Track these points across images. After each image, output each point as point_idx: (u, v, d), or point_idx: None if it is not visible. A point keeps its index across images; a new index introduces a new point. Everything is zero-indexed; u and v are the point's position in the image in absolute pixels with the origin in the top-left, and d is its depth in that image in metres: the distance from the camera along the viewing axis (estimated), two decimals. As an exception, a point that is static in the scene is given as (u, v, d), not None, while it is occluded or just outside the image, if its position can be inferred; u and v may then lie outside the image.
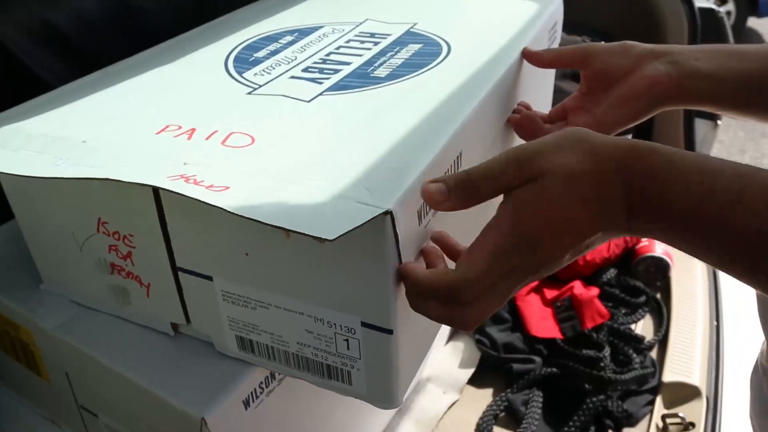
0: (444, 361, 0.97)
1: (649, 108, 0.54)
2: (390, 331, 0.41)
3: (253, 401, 0.50)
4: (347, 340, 0.43)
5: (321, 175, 0.40)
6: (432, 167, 0.42)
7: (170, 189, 0.38)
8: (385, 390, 0.45)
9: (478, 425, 0.88)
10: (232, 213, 0.36)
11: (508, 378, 0.93)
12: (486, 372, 0.95)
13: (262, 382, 0.51)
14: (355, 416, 0.74)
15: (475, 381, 0.94)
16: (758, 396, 0.59)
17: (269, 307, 0.45)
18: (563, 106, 0.60)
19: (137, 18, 0.79)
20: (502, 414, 0.90)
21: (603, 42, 0.59)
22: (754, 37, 4.85)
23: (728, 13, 4.47)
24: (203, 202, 0.37)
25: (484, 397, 0.93)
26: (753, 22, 4.84)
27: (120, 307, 0.55)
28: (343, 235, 0.33)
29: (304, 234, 0.34)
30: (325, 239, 0.33)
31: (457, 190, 0.39)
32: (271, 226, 0.35)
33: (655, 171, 0.36)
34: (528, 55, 0.60)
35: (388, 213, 0.36)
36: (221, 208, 0.36)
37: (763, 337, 0.62)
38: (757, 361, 0.60)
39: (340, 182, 0.40)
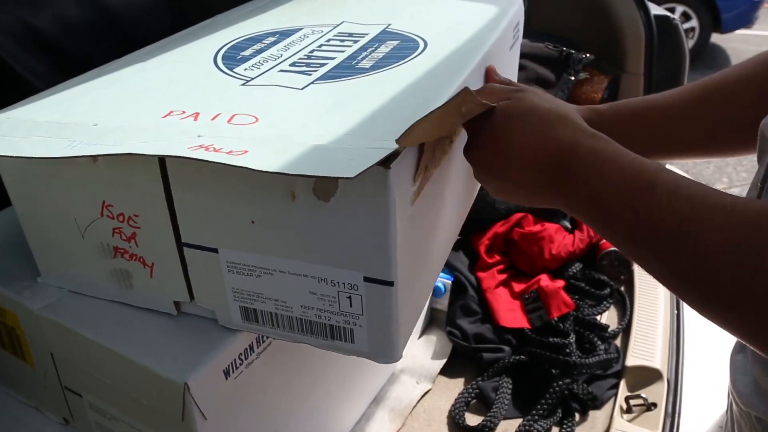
0: (418, 354, 1.00)
1: None
2: (391, 283, 0.45)
3: (233, 371, 0.53)
4: (350, 297, 0.47)
5: (330, 136, 0.45)
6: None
7: (194, 157, 0.41)
8: (386, 345, 0.49)
9: (450, 412, 0.92)
10: (259, 170, 0.39)
11: (478, 367, 0.97)
12: (458, 362, 0.99)
13: (241, 354, 0.54)
14: (333, 401, 0.77)
15: (447, 371, 0.98)
16: (744, 375, 0.63)
17: (274, 273, 0.49)
18: None
19: (117, 23, 0.82)
20: (474, 401, 0.94)
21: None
22: (717, 52, 5.05)
23: (692, 29, 4.68)
24: (229, 165, 0.40)
25: (456, 385, 0.96)
26: (716, 38, 5.05)
27: (122, 292, 0.57)
28: (362, 173, 0.37)
29: (328, 177, 0.37)
30: (347, 177, 0.36)
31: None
32: (298, 175, 0.38)
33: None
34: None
35: (390, 167, 0.40)
36: (248, 168, 0.39)
37: None
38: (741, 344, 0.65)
39: (348, 137, 0.44)
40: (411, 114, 0.47)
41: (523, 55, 1.11)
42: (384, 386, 0.95)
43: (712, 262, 0.41)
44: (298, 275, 0.48)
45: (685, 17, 4.67)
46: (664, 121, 0.65)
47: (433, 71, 0.57)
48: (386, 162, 0.40)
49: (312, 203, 0.44)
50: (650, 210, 0.44)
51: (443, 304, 1.05)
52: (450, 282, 1.05)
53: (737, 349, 0.65)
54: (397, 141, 0.40)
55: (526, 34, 1.37)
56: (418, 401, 0.94)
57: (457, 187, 0.61)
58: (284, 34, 0.72)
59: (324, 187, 0.43)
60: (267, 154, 0.41)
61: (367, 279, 0.46)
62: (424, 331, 1.05)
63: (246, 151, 0.41)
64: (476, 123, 0.53)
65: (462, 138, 0.57)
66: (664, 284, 0.46)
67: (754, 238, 0.39)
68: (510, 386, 0.94)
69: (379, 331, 0.48)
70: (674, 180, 0.44)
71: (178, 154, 0.42)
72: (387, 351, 0.49)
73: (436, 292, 1.04)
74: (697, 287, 0.43)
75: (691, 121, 0.64)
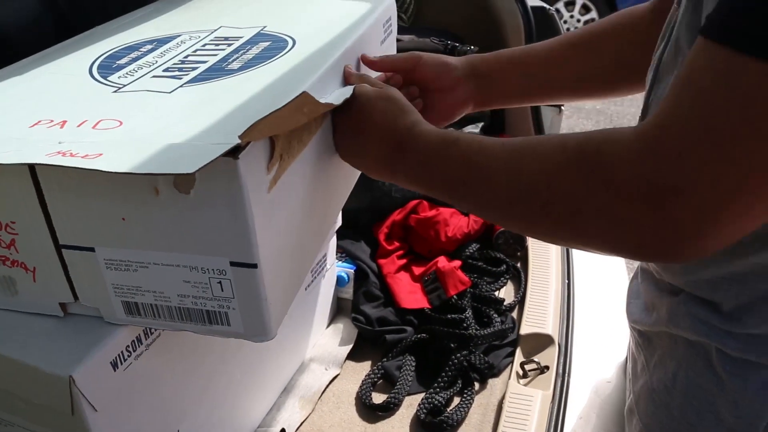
0: (326, 343, 1.04)
1: (463, 113, 0.78)
2: (255, 266, 0.49)
3: (122, 363, 0.56)
4: (220, 282, 0.50)
5: (185, 135, 0.48)
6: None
7: (48, 163, 0.44)
8: (259, 323, 0.52)
9: (358, 393, 0.96)
10: (106, 171, 0.42)
11: (383, 348, 1.02)
12: (364, 346, 1.04)
13: (128, 346, 0.57)
14: (239, 392, 0.80)
15: (354, 355, 1.03)
16: (636, 298, 0.71)
17: (149, 265, 0.52)
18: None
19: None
20: (380, 381, 0.99)
21: (430, 53, 0.76)
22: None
23: (592, 20, 4.95)
24: (80, 168, 0.43)
25: (363, 368, 1.01)
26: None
27: (8, 299, 0.58)
28: (202, 167, 0.40)
29: (169, 174, 0.41)
30: (188, 173, 0.40)
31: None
32: (142, 174, 0.42)
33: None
34: (365, 62, 0.74)
35: (238, 158, 0.44)
36: (96, 170, 0.43)
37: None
38: (637, 270, 0.72)
39: (202, 135, 0.47)
40: (264, 110, 0.51)
41: (410, 50, 1.17)
42: (294, 376, 0.99)
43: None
44: (171, 266, 0.51)
45: (585, 9, 4.91)
46: (539, 65, 0.75)
47: (294, 69, 0.61)
48: (235, 153, 0.44)
49: (174, 197, 0.47)
50: (460, 158, 0.55)
51: (348, 292, 1.09)
52: (353, 271, 1.09)
53: (632, 277, 0.73)
54: (239, 137, 0.44)
55: (415, 31, 1.44)
56: (327, 386, 0.98)
57: (327, 174, 0.66)
58: (162, 41, 0.74)
59: (183, 181, 0.46)
60: (120, 156, 0.44)
61: (233, 263, 0.49)
62: (332, 320, 1.09)
63: (100, 154, 0.44)
64: (339, 111, 0.61)
65: (327, 130, 0.61)
66: (489, 218, 0.56)
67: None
68: (413, 363, 1.00)
69: (251, 311, 0.52)
70: (472, 136, 0.56)
71: (34, 162, 0.44)
72: (260, 330, 0.53)
73: (340, 282, 1.08)
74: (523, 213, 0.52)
75: (563, 64, 0.74)
